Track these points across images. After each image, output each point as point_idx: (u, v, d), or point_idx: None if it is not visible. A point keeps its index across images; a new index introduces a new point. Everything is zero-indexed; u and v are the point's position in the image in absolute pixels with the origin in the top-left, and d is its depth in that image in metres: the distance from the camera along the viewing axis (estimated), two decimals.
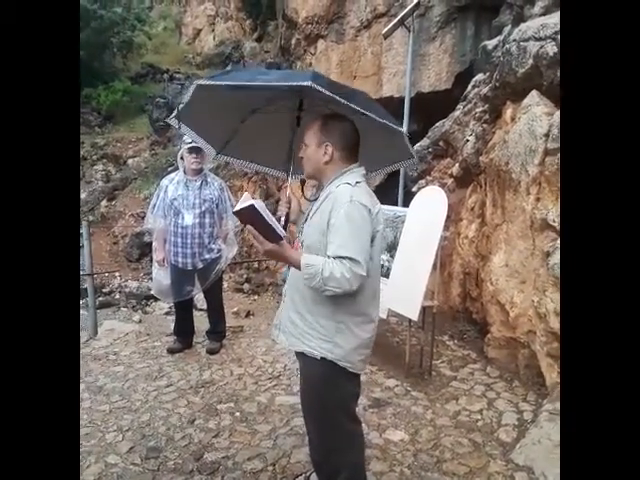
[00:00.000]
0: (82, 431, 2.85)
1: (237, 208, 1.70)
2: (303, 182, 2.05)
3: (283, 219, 1.96)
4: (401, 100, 6.34)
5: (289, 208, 2.02)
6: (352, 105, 1.73)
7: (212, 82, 1.84)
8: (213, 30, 15.24)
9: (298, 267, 1.75)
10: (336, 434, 1.97)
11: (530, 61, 3.39)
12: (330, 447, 2.00)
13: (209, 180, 3.93)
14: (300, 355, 1.94)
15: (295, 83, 1.73)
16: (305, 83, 1.64)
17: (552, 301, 2.98)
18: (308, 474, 2.37)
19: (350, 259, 1.67)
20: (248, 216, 1.70)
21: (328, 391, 1.89)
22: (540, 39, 3.37)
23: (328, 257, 1.71)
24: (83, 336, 4.44)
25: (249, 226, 1.72)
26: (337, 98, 1.69)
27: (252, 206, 1.64)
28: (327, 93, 1.67)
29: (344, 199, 1.74)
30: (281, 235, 1.72)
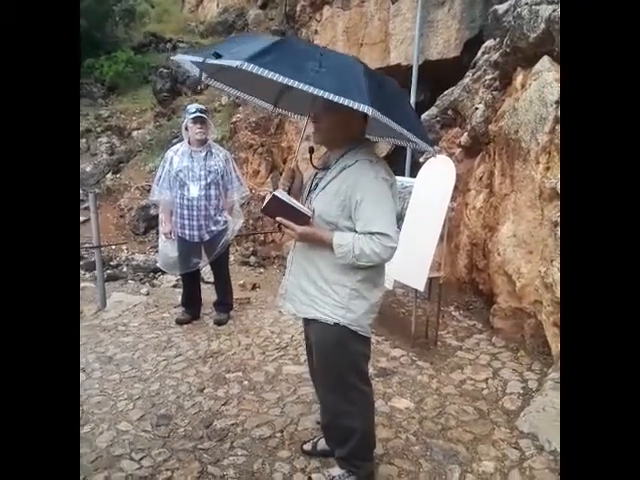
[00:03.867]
0: (93, 400, 2.91)
1: (263, 206, 1.82)
2: (312, 150, 2.01)
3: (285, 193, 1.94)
4: (409, 68, 6.23)
5: (292, 182, 1.99)
6: (401, 129, 1.63)
7: (248, 67, 1.45)
8: None
9: (329, 246, 1.81)
10: (348, 396, 2.02)
11: (542, 25, 3.29)
12: (343, 410, 2.05)
13: (214, 151, 3.90)
14: (311, 322, 1.99)
15: (354, 104, 1.46)
16: (365, 109, 1.45)
17: (559, 271, 2.97)
18: (315, 440, 2.42)
19: (380, 234, 1.74)
20: (275, 208, 1.81)
21: (341, 354, 1.95)
22: (553, 2, 3.26)
23: (357, 233, 1.78)
24: (92, 308, 4.49)
25: (278, 218, 1.81)
26: (393, 125, 1.58)
27: (274, 196, 1.78)
28: (386, 121, 1.55)
29: (370, 176, 1.79)
30: (309, 215, 1.81)
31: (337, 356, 1.96)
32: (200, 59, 1.62)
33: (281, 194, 1.80)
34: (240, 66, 1.45)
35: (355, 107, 1.46)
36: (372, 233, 1.74)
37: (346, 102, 1.46)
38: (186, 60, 1.86)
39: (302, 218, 1.80)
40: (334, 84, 1.49)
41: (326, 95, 1.46)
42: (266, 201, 1.82)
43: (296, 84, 1.47)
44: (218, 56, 1.54)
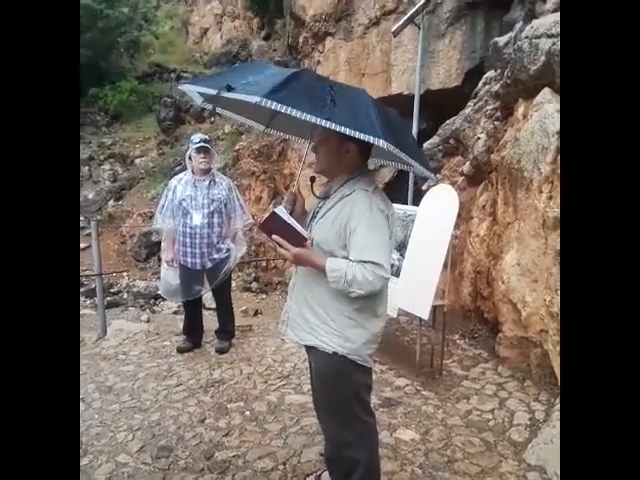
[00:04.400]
0: (93, 431, 2.85)
1: (261, 222, 1.84)
2: (313, 179, 2.04)
3: None
4: (410, 97, 6.31)
5: (293, 207, 2.01)
6: (409, 159, 1.67)
7: (266, 103, 1.46)
8: (220, 29, 15.25)
9: (323, 271, 1.81)
10: (351, 426, 1.99)
11: (542, 58, 3.35)
12: (345, 440, 2.01)
13: (217, 180, 3.92)
14: (312, 349, 1.98)
15: (371, 138, 1.49)
16: (380, 143, 1.48)
17: (560, 300, 2.95)
18: (319, 473, 2.36)
19: (372, 263, 1.74)
20: (273, 224, 1.82)
21: (341, 384, 1.93)
22: (552, 36, 3.33)
23: (350, 261, 1.78)
24: (92, 336, 4.45)
25: (274, 236, 1.81)
26: (402, 156, 1.62)
27: (274, 213, 1.79)
28: (397, 152, 1.58)
29: (364, 206, 1.80)
30: (306, 237, 1.82)
31: (337, 385, 1.94)
32: (213, 91, 1.63)
33: (281, 212, 1.81)
34: (259, 102, 1.46)
35: (372, 141, 1.50)
36: (365, 262, 1.74)
37: (362, 137, 1.49)
38: (193, 91, 1.88)
39: (299, 240, 1.80)
40: (349, 118, 1.52)
41: (345, 131, 1.49)
42: (265, 217, 1.84)
43: (314, 119, 1.49)
44: (230, 88, 1.55)
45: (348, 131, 1.49)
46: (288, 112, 1.48)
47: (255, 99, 1.46)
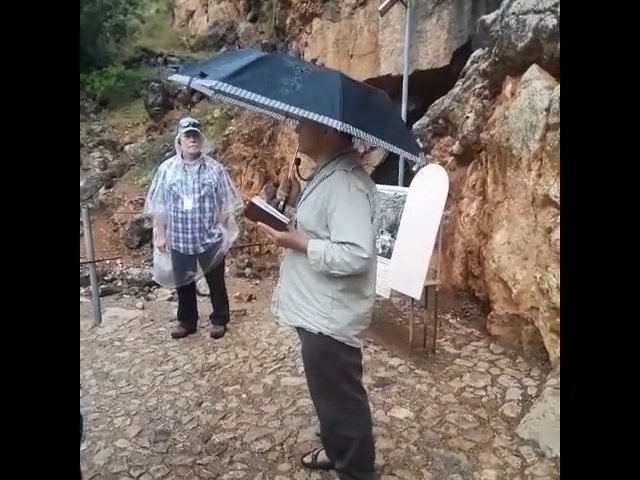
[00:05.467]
0: (90, 417, 2.88)
1: (244, 211, 2.04)
2: (298, 162, 2.05)
3: (282, 204, 2.00)
4: (399, 78, 6.28)
5: (289, 192, 2.02)
6: (379, 140, 1.65)
7: (222, 87, 1.52)
8: (206, 11, 14.99)
9: (306, 252, 1.84)
10: (342, 405, 2.02)
11: (530, 34, 3.34)
12: (337, 419, 2.05)
13: (207, 164, 3.90)
14: (300, 330, 2.02)
15: (322, 118, 1.49)
16: (334, 123, 1.48)
17: (555, 277, 2.99)
18: (315, 453, 2.40)
19: (350, 244, 1.76)
20: (254, 213, 1.92)
21: (328, 364, 1.97)
22: (539, 12, 3.31)
23: (330, 242, 1.80)
24: (88, 323, 4.46)
25: (259, 222, 1.90)
26: (366, 137, 1.60)
27: (252, 203, 1.90)
28: (356, 133, 1.56)
29: (342, 186, 1.81)
30: (284, 222, 1.87)
31: (324, 365, 1.97)
32: (186, 79, 1.67)
33: (259, 202, 1.90)
34: (214, 86, 1.52)
35: (322, 121, 1.49)
36: (343, 242, 1.76)
37: (312, 116, 1.50)
38: (178, 80, 1.88)
39: (280, 224, 1.87)
40: (305, 100, 1.53)
41: (294, 110, 1.51)
42: (246, 207, 1.96)
43: (266, 100, 1.51)
44: (204, 75, 1.58)
45: (300, 111, 1.50)
46: (242, 95, 1.51)
47: (211, 83, 1.52)
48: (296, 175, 2.07)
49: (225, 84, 1.49)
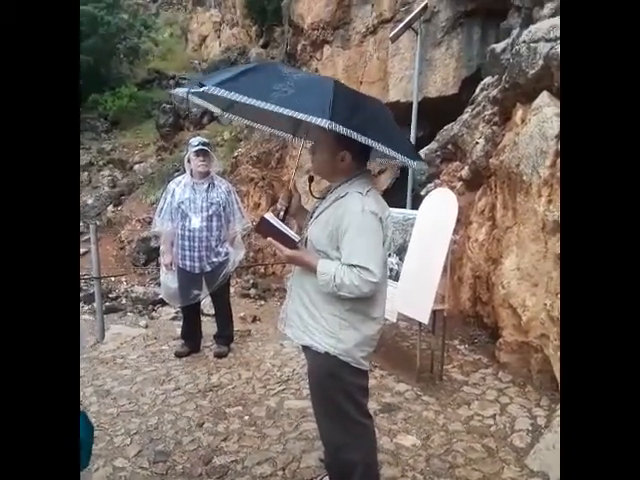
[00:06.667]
0: None
1: (255, 226, 1.98)
2: (311, 179, 2.05)
3: (282, 214, 2.00)
4: (407, 105, 6.33)
5: (289, 202, 2.04)
6: (371, 142, 1.65)
7: (218, 92, 1.57)
8: (219, 36, 15.31)
9: (315, 272, 1.83)
10: (346, 428, 1.97)
11: (540, 62, 3.36)
12: (341, 443, 1.99)
13: (216, 183, 3.91)
14: (306, 349, 1.99)
15: (310, 117, 1.52)
16: (322, 122, 1.50)
17: (560, 303, 2.94)
18: (318, 479, 2.33)
19: (360, 267, 1.74)
20: (265, 228, 1.91)
21: (333, 384, 1.93)
22: (550, 40, 3.35)
23: (341, 264, 1.78)
24: (90, 340, 4.43)
25: (269, 238, 1.89)
26: (358, 138, 1.61)
27: (263, 218, 1.90)
28: (347, 133, 1.58)
29: (356, 208, 1.80)
30: (295, 240, 1.86)
31: (329, 386, 1.94)
32: (185, 90, 1.75)
33: (271, 217, 1.89)
34: (207, 90, 1.56)
35: (311, 120, 1.52)
36: (353, 265, 1.74)
37: (300, 116, 1.53)
38: (178, 92, 1.91)
39: (289, 242, 1.86)
40: (295, 102, 1.56)
41: (282, 111, 1.53)
42: (257, 221, 1.96)
43: (252, 101, 1.55)
44: (201, 85, 1.62)
45: (288, 111, 1.53)
46: (230, 97, 1.56)
47: (204, 88, 1.57)
48: (309, 191, 2.07)
49: (217, 88, 1.54)
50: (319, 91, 1.63)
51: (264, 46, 12.44)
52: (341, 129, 1.54)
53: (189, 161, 3.86)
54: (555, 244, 3.16)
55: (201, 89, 1.58)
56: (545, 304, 3.18)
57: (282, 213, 2.00)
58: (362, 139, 1.62)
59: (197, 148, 3.78)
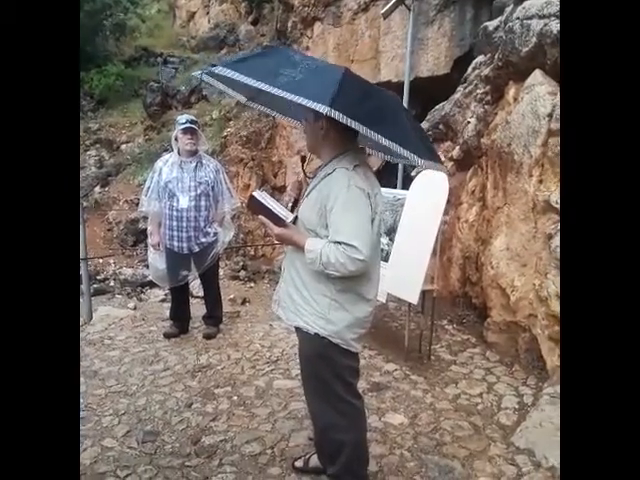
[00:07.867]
0: None
1: (246, 203, 2.00)
2: (304, 159, 2.03)
3: (291, 204, 2.00)
4: (399, 84, 6.26)
5: (298, 192, 2.03)
6: (375, 135, 1.60)
7: (228, 73, 1.62)
8: (208, 13, 14.96)
9: (304, 250, 1.82)
10: (336, 408, 1.98)
11: (534, 39, 3.31)
12: (331, 423, 2.00)
13: (204, 162, 3.84)
14: (297, 330, 1.99)
15: (308, 102, 1.51)
16: (320, 108, 1.48)
17: (554, 284, 2.95)
18: (307, 457, 2.35)
19: (346, 244, 1.71)
20: (254, 206, 1.92)
21: (323, 364, 1.93)
22: (544, 17, 3.29)
23: (328, 241, 1.76)
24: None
25: (259, 216, 1.90)
26: (356, 126, 1.57)
27: (252, 196, 1.92)
28: (348, 122, 1.54)
29: (342, 184, 1.77)
30: (284, 218, 1.85)
31: (319, 367, 1.93)
32: (199, 73, 1.81)
33: (259, 195, 1.91)
34: (214, 70, 1.63)
35: (308, 105, 1.51)
36: (339, 242, 1.72)
37: (298, 100, 1.52)
38: (198, 76, 1.91)
39: (279, 220, 1.86)
40: (298, 87, 1.55)
41: (281, 94, 1.53)
42: (247, 198, 1.99)
43: (260, 84, 1.56)
44: (213, 66, 1.69)
45: (287, 95, 1.53)
46: (235, 77, 1.59)
47: (211, 69, 1.66)
48: (302, 172, 2.06)
49: (225, 69, 1.58)
50: (326, 78, 1.61)
51: (254, 23, 12.21)
52: (341, 117, 1.51)
53: (176, 139, 3.79)
54: (545, 224, 3.16)
55: (213, 69, 1.64)
56: (534, 284, 3.18)
57: (291, 204, 2.01)
58: (365, 130, 1.59)
59: (185, 126, 3.70)
